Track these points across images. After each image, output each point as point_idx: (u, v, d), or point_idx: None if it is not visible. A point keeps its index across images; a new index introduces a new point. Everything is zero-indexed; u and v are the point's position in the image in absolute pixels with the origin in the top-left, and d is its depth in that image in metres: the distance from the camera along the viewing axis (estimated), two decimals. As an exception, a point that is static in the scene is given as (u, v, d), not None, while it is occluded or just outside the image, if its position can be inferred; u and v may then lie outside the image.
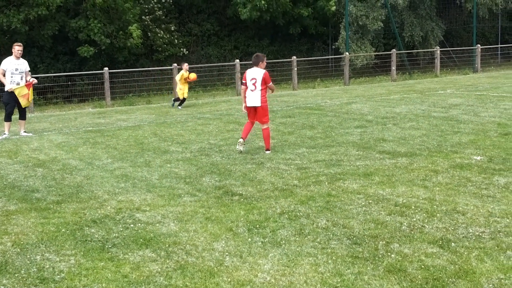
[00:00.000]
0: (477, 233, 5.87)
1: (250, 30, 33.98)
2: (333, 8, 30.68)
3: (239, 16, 30.64)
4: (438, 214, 6.50)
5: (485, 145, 10.23)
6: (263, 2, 28.80)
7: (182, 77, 19.11)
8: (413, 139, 11.14)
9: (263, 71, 10.57)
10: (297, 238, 5.98)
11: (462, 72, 29.84)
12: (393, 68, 28.14)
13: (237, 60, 24.60)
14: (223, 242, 5.97)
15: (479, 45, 31.71)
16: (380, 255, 5.41)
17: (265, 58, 10.89)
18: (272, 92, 11.30)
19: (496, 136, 11.03)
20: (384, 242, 5.75)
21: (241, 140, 10.60)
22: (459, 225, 6.13)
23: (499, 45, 35.73)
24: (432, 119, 13.62)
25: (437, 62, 29.32)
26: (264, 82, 10.51)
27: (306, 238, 5.96)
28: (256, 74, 10.53)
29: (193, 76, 19.31)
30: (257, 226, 6.42)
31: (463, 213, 6.51)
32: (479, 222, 6.18)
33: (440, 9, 36.54)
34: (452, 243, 5.61)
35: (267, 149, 10.65)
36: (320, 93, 21.98)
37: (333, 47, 32.51)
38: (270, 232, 6.20)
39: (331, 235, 6.01)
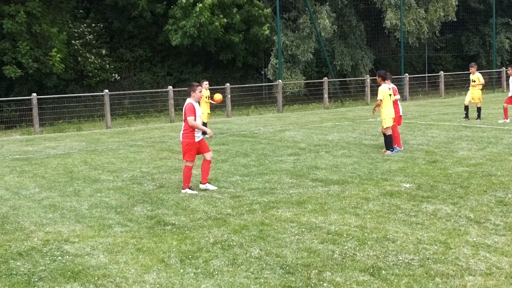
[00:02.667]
0: (407, 260, 5.97)
1: (183, 56, 33.93)
2: (267, 32, 31.11)
3: (171, 42, 30.59)
4: (369, 242, 6.59)
5: (413, 173, 10.50)
6: (193, 28, 28.86)
7: (203, 96, 16.93)
8: (345, 167, 11.31)
9: (187, 102, 9.56)
10: (230, 268, 5.92)
11: (391, 100, 30.66)
12: (326, 96, 28.65)
13: (170, 87, 24.47)
14: (155, 274, 5.84)
15: (407, 74, 32.78)
16: (312, 284, 5.43)
17: (197, 87, 9.60)
18: (196, 128, 9.62)
19: (424, 164, 11.35)
20: (316, 270, 5.77)
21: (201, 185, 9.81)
22: (389, 252, 6.23)
23: (426, 74, 37.03)
24: (363, 146, 13.90)
25: (368, 90, 30.09)
26: (185, 115, 9.47)
27: (239, 268, 5.91)
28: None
29: (218, 97, 17.29)
30: (190, 256, 6.32)
31: (393, 240, 6.63)
32: (408, 250, 6.30)
33: (369, 39, 37.63)
34: (383, 271, 5.69)
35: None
36: (254, 120, 22.10)
37: (266, 75, 32.86)
38: (203, 262, 6.12)
39: (264, 265, 5.99)
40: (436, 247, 6.35)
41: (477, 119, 18.59)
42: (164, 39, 32.24)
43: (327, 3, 33.43)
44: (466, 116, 18.79)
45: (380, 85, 12.83)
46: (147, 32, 33.94)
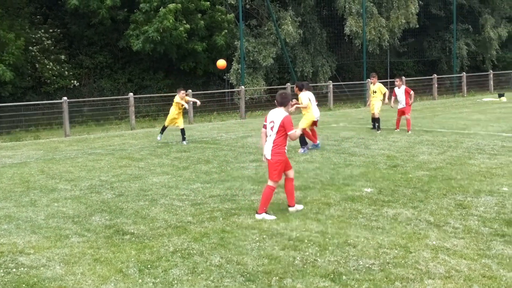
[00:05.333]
0: (367, 265, 5.95)
1: (144, 62, 33.60)
2: (222, 41, 31.13)
3: (132, 48, 30.28)
4: (330, 247, 6.56)
5: (375, 177, 10.54)
6: (156, 34, 28.63)
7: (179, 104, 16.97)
8: (307, 172, 11.30)
9: (285, 114, 8.33)
10: (189, 277, 5.81)
11: (354, 106, 30.95)
12: (288, 101, 28.65)
13: (131, 94, 24.16)
14: (112, 284, 5.70)
15: (369, 79, 33.10)
16: (273, 292, 5.36)
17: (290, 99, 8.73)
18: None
19: (386, 168, 11.41)
20: (277, 277, 5.70)
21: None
22: (350, 257, 6.21)
23: (388, 80, 37.48)
24: (325, 152, 13.93)
25: (330, 95, 30.26)
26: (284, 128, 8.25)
27: (199, 277, 5.81)
28: (276, 116, 8.37)
29: (222, 63, 16.65)
30: (149, 266, 6.19)
31: (354, 245, 6.61)
32: (369, 254, 6.28)
33: (331, 45, 37.92)
34: (344, 276, 5.66)
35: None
36: (216, 127, 21.99)
37: (229, 81, 32.78)
38: (162, 272, 6.00)
39: (224, 273, 5.90)
40: (396, 251, 6.36)
41: (378, 130, 17.78)
42: (125, 44, 31.87)
43: (291, 9, 33.57)
44: (378, 128, 17.88)
45: (298, 94, 14.84)
46: (107, 38, 33.50)
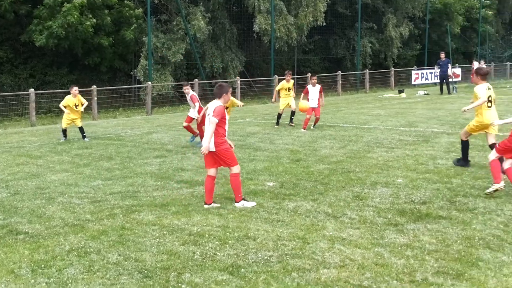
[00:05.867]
0: (266, 257, 6.02)
1: (47, 57, 32.41)
2: (131, 36, 30.59)
3: (35, 43, 29.15)
4: (230, 241, 6.59)
5: (278, 172, 10.69)
6: (60, 29, 27.71)
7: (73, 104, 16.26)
8: (210, 168, 11.27)
9: (218, 103, 8.23)
10: (85, 276, 5.66)
11: (261, 101, 31.26)
12: (196, 97, 28.59)
13: (32, 89, 23.24)
14: (3, 286, 5.47)
15: (276, 76, 33.54)
16: (171, 287, 5.33)
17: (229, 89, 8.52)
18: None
19: (288, 163, 11.60)
20: (176, 273, 5.67)
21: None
22: (250, 250, 6.26)
23: (296, 76, 38.11)
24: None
25: (238, 91, 30.40)
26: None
27: (95, 275, 5.68)
28: (211, 108, 8.26)
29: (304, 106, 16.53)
30: (42, 266, 5.98)
31: (254, 238, 6.67)
32: (268, 247, 6.36)
33: (241, 41, 38.11)
34: (242, 269, 5.70)
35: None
36: (121, 123, 21.56)
37: (136, 77, 32.21)
38: (56, 271, 5.81)
39: (121, 270, 5.79)
40: (294, 242, 6.47)
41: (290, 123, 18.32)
42: (27, 39, 30.62)
43: (201, 4, 33.43)
44: (277, 123, 18.27)
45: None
46: (9, 32, 32.06)
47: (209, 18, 33.61)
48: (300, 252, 6.14)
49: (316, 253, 6.11)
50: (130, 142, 15.40)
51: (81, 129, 16.35)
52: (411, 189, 8.89)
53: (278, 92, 18.95)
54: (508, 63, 47.88)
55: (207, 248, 6.39)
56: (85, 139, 16.20)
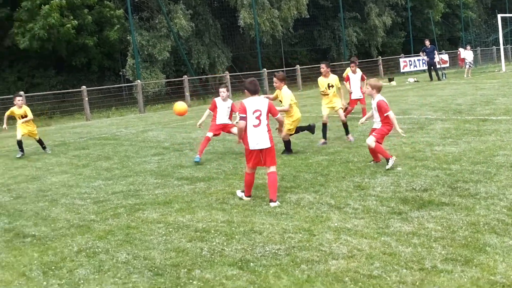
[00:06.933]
0: (274, 250, 6.08)
1: (33, 60, 32.27)
2: (116, 36, 30.50)
3: (19, 46, 29.03)
4: (236, 236, 6.64)
5: (277, 165, 10.71)
6: (42, 31, 27.56)
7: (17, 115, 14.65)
8: (210, 163, 11.34)
9: (264, 100, 8.32)
10: (96, 276, 5.70)
11: (252, 96, 31.28)
12: (187, 93, 28.61)
13: (22, 92, 23.16)
14: (15, 290, 5.50)
15: (265, 69, 33.62)
16: (182, 284, 5.37)
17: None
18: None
19: (287, 155, 11.64)
20: (186, 269, 5.71)
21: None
22: (257, 244, 6.31)
23: (284, 68, 38.18)
24: (226, 142, 14.02)
25: (228, 86, 30.43)
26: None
27: (106, 275, 5.72)
28: (260, 104, 8.20)
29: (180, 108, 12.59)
30: (53, 267, 6.02)
31: (260, 232, 6.73)
32: (275, 240, 6.42)
33: (226, 36, 38.11)
34: (251, 263, 5.75)
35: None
36: (115, 122, 21.55)
37: (125, 76, 32.15)
38: (67, 272, 5.85)
39: (132, 269, 5.83)
40: (300, 235, 6.53)
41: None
42: (11, 43, 30.46)
43: (182, 2, 33.34)
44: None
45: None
46: (-9, 36, 31.92)
47: (191, 14, 33.56)
48: (307, 244, 6.19)
49: (323, 244, 6.17)
50: (126, 141, 15.42)
51: (40, 142, 14.65)
52: (411, 176, 8.97)
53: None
54: (494, 47, 48.18)
55: (214, 243, 6.44)
56: (46, 149, 14.62)
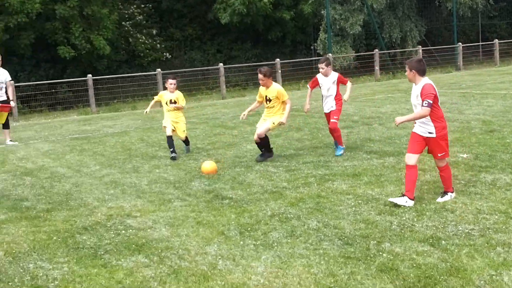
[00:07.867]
0: (467, 230, 5.93)
1: (232, 33, 34.05)
2: (309, 10, 30.89)
3: (220, 20, 30.73)
4: (427, 213, 6.57)
5: (470, 143, 10.33)
6: (242, 6, 28.87)
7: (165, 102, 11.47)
8: (399, 139, 11.23)
9: (425, 81, 7.00)
10: (288, 240, 6.01)
11: (445, 70, 30.10)
12: (377, 68, 28.31)
13: (221, 64, 24.61)
14: (216, 246, 5.98)
15: (460, 43, 32.03)
16: (371, 255, 5.46)
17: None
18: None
19: (481, 134, 11.14)
20: (375, 241, 5.79)
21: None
22: (449, 223, 6.20)
23: (480, 43, 36.05)
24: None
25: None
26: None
27: (297, 240, 6.00)
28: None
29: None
30: (249, 229, 6.44)
31: (452, 211, 6.58)
32: (468, 220, 6.25)
33: (420, 9, 36.83)
34: (443, 241, 5.67)
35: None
36: (304, 95, 21.97)
37: (316, 50, 32.58)
38: (262, 234, 6.23)
39: (322, 236, 6.05)
40: (496, 217, 6.28)
41: None
42: (213, 17, 32.39)
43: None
44: None
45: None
46: (196, 10, 34.18)
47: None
48: (503, 227, 5.94)
49: (521, 228, 5.89)
50: (316, 114, 15.73)
51: (185, 142, 11.63)
52: None
53: None
54: None
55: (404, 218, 6.44)
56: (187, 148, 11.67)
